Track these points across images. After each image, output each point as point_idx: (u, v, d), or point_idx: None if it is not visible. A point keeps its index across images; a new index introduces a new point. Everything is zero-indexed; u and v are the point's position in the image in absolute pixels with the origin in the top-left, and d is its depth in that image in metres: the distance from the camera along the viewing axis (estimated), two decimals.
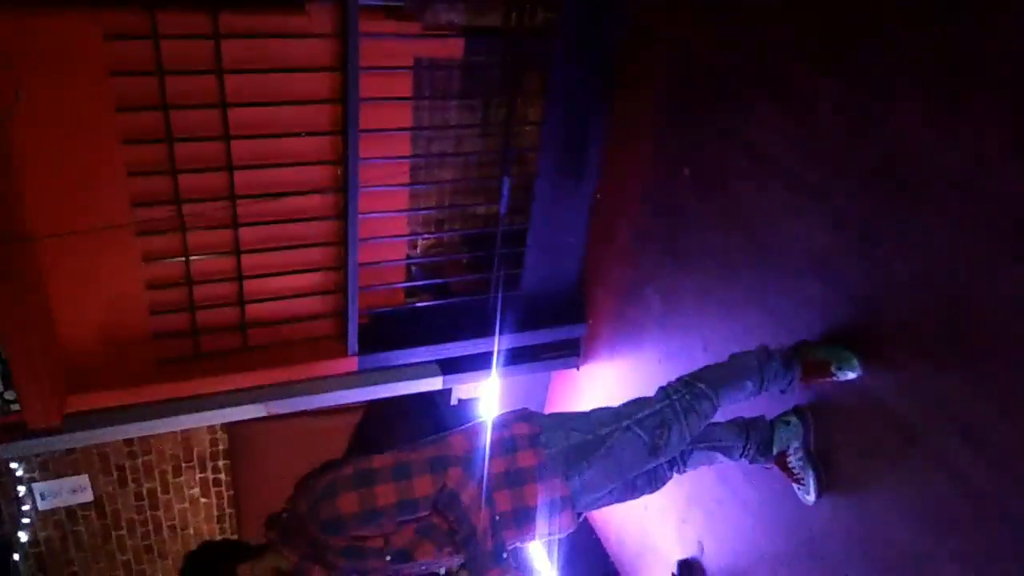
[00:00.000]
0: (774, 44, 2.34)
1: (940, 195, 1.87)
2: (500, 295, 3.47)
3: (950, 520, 1.94)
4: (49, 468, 4.11)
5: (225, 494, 4.61)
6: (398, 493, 1.73)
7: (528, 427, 1.95)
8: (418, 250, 3.57)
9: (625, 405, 2.06)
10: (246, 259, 3.08)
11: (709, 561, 2.96)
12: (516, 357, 3.64)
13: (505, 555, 1.82)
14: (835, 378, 2.14)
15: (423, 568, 1.84)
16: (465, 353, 3.49)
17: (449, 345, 3.45)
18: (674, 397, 2.03)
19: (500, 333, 3.48)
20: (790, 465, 2.31)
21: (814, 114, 2.21)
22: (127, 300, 3.01)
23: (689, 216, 2.84)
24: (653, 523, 3.31)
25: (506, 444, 1.90)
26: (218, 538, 1.92)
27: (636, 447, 1.94)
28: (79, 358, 3.03)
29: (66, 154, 2.64)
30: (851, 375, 2.13)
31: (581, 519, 2.03)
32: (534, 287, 3.54)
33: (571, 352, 3.75)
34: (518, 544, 1.92)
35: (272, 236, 3.09)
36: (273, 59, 2.77)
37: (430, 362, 3.46)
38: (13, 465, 4.03)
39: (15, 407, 2.85)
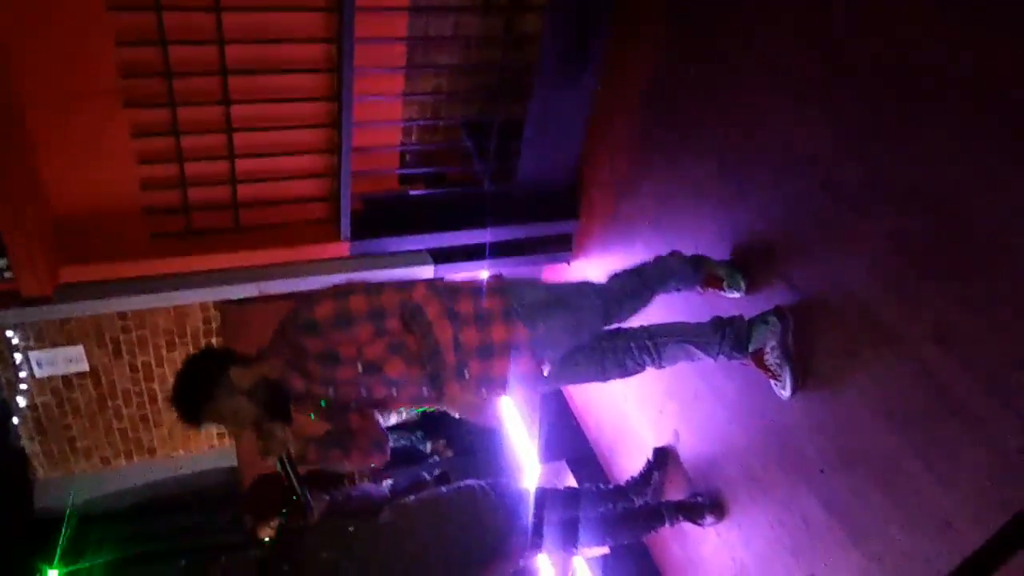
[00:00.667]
0: None
1: (940, 98, 1.85)
2: (494, 186, 3.45)
3: (916, 416, 2.04)
4: (45, 338, 4.19)
5: None
6: (368, 303, 1.94)
7: (502, 301, 2.08)
8: (413, 137, 3.52)
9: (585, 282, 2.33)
10: (238, 137, 3.04)
11: (684, 450, 3.09)
12: (508, 249, 3.65)
13: (466, 374, 1.99)
14: (723, 293, 2.52)
15: (392, 390, 2.02)
16: (457, 243, 3.50)
17: (441, 234, 3.46)
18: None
19: (493, 225, 3.48)
20: (767, 362, 2.39)
21: (826, 11, 2.15)
22: (118, 173, 2.98)
23: (690, 115, 2.80)
24: (631, 411, 3.43)
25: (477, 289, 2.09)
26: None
27: (592, 305, 2.22)
28: (71, 229, 3.04)
29: (54, 19, 2.55)
30: (736, 294, 2.50)
31: (547, 374, 2.16)
32: (529, 180, 3.51)
33: (563, 247, 3.77)
34: (484, 386, 2.06)
35: (265, 115, 3.03)
36: None
37: (421, 250, 3.48)
38: (9, 333, 4.10)
39: (8, 275, 2.87)
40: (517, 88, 3.30)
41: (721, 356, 2.40)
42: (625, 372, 2.35)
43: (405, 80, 3.22)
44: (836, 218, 2.22)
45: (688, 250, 2.68)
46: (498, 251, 3.62)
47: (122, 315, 4.30)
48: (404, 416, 3.97)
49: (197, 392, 1.91)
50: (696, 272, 2.55)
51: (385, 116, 3.24)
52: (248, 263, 3.27)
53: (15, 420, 4.44)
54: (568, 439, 3.91)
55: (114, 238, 3.10)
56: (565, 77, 3.24)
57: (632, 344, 2.31)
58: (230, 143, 3.04)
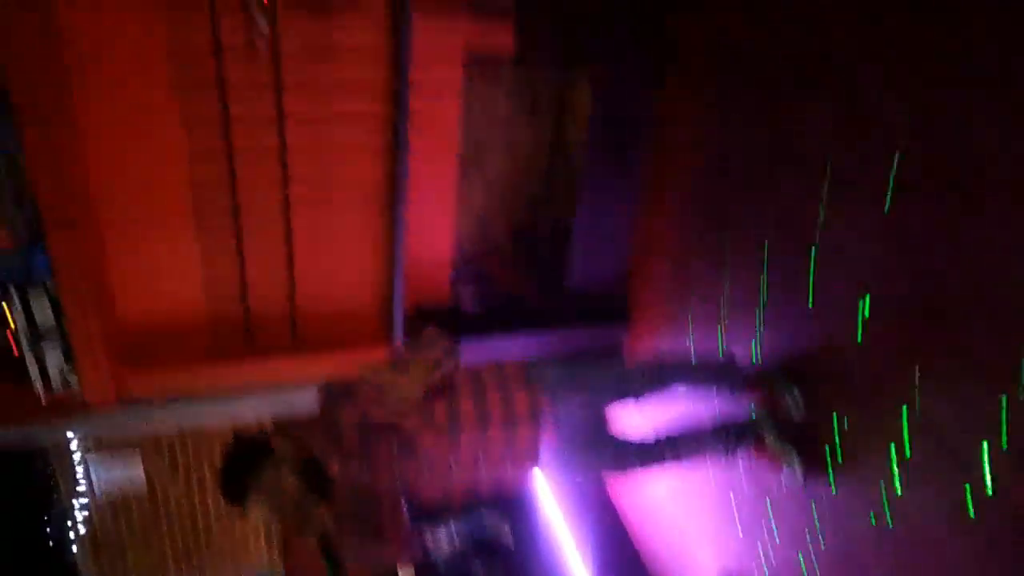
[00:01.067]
0: (823, 37, 2.30)
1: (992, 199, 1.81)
2: (543, 293, 3.47)
3: None
4: (105, 449, 4.27)
5: None
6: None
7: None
8: (463, 246, 3.60)
9: None
10: (297, 250, 3.15)
11: None
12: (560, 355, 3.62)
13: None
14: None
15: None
16: (507, 349, 3.49)
17: (491, 342, 3.46)
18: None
19: (543, 331, 3.48)
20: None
21: (864, 110, 2.17)
22: (184, 287, 3.11)
23: (736, 217, 2.80)
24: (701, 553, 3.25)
25: None
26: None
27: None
28: (137, 340, 3.15)
29: (130, 139, 2.76)
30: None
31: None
32: (579, 286, 3.52)
33: (615, 352, 3.72)
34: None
35: (323, 229, 3.15)
36: (328, 48, 2.84)
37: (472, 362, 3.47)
38: (72, 445, 4.20)
39: (73, 380, 2.97)
40: (565, 195, 3.38)
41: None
42: None
43: (456, 189, 3.33)
44: (890, 319, 2.14)
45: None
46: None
47: (181, 429, 4.36)
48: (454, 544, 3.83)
49: (242, 464, 1.96)
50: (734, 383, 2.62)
51: (437, 226, 3.33)
52: (303, 373, 3.31)
53: (71, 533, 4.46)
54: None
55: (176, 349, 3.20)
56: (610, 179, 3.31)
57: None
58: (290, 256, 3.15)
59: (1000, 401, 1.82)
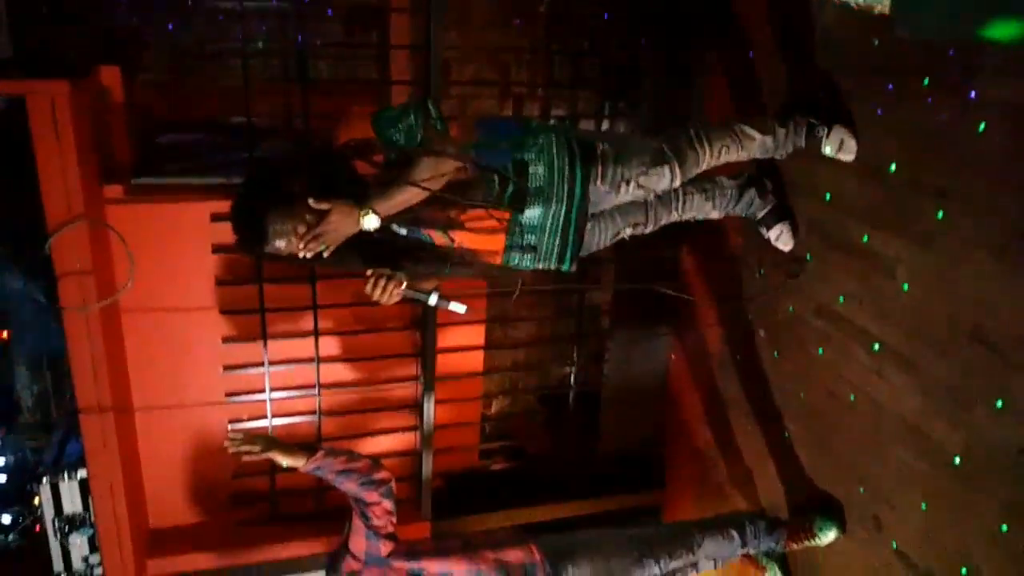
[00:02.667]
0: (838, 206, 2.38)
1: None
2: (575, 458, 3.41)
3: None
4: None
5: None
6: None
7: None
8: (492, 411, 3.59)
9: None
10: (326, 422, 3.15)
11: None
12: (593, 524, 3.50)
13: None
14: (817, 539, 2.48)
15: None
16: (541, 519, 3.39)
17: (524, 510, 3.37)
18: None
19: (577, 498, 3.39)
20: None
21: (889, 277, 2.20)
22: (212, 465, 3.10)
23: (767, 378, 2.79)
24: None
25: None
26: None
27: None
28: (163, 522, 3.10)
29: (167, 325, 2.84)
30: (831, 535, 2.46)
31: None
32: (611, 449, 3.47)
33: (652, 518, 3.60)
34: None
35: (351, 399, 3.17)
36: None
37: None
38: None
39: (98, 571, 2.89)
40: (592, 358, 3.39)
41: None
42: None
43: (484, 357, 3.35)
44: (943, 487, 2.07)
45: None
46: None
47: None
48: None
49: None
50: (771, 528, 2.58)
51: (465, 394, 3.34)
52: (330, 548, 3.21)
53: None
54: None
55: (202, 529, 3.14)
56: (639, 343, 3.33)
57: None
58: (319, 429, 3.15)
59: None
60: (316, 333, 3.00)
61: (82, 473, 2.80)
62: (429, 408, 3.12)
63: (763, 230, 2.56)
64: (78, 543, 2.91)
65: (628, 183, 2.13)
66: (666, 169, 2.13)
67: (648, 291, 3.28)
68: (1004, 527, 1.90)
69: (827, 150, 2.27)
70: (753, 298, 2.80)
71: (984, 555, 1.96)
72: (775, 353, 2.73)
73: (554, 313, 3.47)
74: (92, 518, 2.81)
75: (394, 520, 2.27)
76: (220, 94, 2.97)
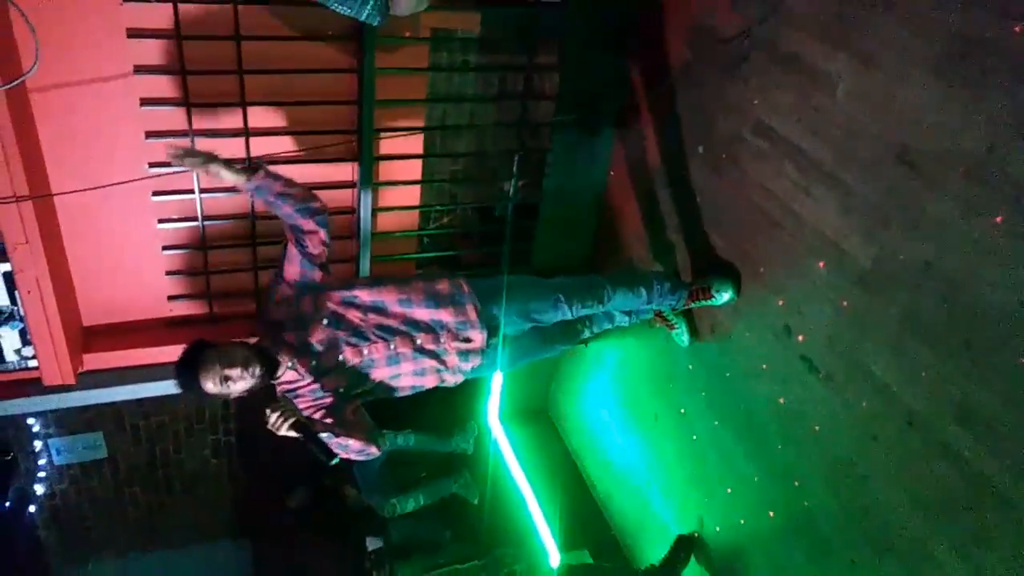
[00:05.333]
0: (785, 17, 2.32)
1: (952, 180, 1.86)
2: (510, 270, 3.47)
3: (945, 505, 1.96)
4: (64, 425, 4.21)
5: (235, 456, 4.70)
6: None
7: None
8: (430, 223, 3.58)
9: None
10: (261, 224, 3.11)
11: (709, 538, 3.00)
12: None
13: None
14: (713, 300, 2.69)
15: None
16: None
17: None
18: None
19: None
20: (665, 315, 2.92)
21: (829, 94, 2.19)
22: (143, 261, 3.06)
23: (702, 192, 2.83)
24: (655, 498, 3.34)
25: None
26: None
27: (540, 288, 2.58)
28: (95, 316, 3.10)
29: (86, 112, 2.67)
30: (726, 296, 2.66)
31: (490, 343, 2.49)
32: (545, 264, 3.54)
33: None
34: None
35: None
36: (293, 32, 2.77)
37: None
38: (30, 421, 4.12)
39: (32, 363, 2.91)
40: (532, 173, 3.37)
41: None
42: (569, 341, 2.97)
43: (423, 168, 3.30)
44: (853, 298, 2.20)
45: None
46: None
47: (141, 402, 4.31)
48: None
49: (200, 350, 2.15)
50: (676, 289, 2.77)
51: (403, 203, 3.31)
52: None
53: (32, 508, 4.41)
54: (591, 527, 3.81)
55: (136, 324, 3.16)
56: (578, 159, 3.32)
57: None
58: (253, 229, 3.11)
59: None
60: (246, 132, 2.88)
61: (5, 267, 2.73)
62: (366, 214, 3.09)
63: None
64: (10, 335, 2.90)
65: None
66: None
67: (591, 105, 3.24)
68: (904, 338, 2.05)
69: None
70: (725, 42, 2.71)
71: (884, 364, 2.12)
72: (712, 169, 2.76)
73: (495, 125, 3.39)
74: (21, 312, 2.78)
75: (326, 252, 2.36)
76: None
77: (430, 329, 2.37)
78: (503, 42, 3.21)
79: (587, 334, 2.99)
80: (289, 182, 2.26)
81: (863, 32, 2.06)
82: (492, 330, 2.47)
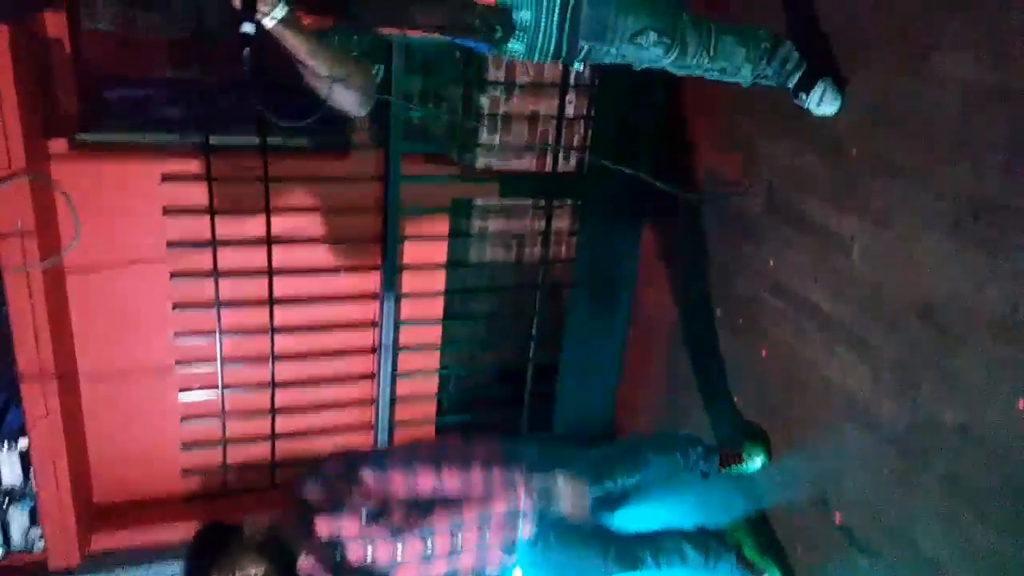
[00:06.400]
0: (796, 181, 2.39)
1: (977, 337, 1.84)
2: (531, 434, 3.41)
3: None
4: None
5: None
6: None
7: None
8: (450, 387, 3.56)
9: None
10: (280, 393, 3.09)
11: None
12: None
13: None
14: (744, 466, 2.58)
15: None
16: None
17: None
18: None
19: None
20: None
21: (845, 255, 2.22)
22: (161, 434, 3.02)
23: (725, 354, 2.81)
24: None
25: None
26: None
27: None
28: (107, 493, 3.02)
29: (117, 286, 2.74)
30: (758, 461, 2.57)
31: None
32: (566, 426, 3.48)
33: None
34: None
35: (308, 371, 3.11)
36: (319, 201, 2.90)
37: None
38: None
39: (39, 545, 2.80)
40: (551, 335, 3.39)
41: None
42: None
43: (443, 331, 3.32)
44: (888, 462, 2.12)
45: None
46: None
47: None
48: None
49: (210, 545, 1.89)
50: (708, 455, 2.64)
51: (423, 367, 3.30)
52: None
53: None
54: None
55: (148, 502, 3.07)
56: (597, 320, 3.34)
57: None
58: (272, 399, 3.09)
59: None
60: (271, 301, 2.93)
61: (23, 443, 2.69)
62: (386, 378, 3.08)
63: (801, 97, 2.21)
64: (19, 516, 2.81)
65: None
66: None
67: (608, 266, 3.31)
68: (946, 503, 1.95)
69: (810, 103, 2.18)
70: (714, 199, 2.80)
71: (926, 530, 2.00)
72: (731, 331, 2.76)
73: (514, 287, 3.46)
74: (33, 490, 2.72)
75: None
76: (172, 48, 2.85)
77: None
78: (521, 208, 3.34)
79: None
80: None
81: (873, 194, 2.12)
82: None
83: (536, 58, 1.88)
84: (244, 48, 1.49)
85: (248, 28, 1.48)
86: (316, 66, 1.61)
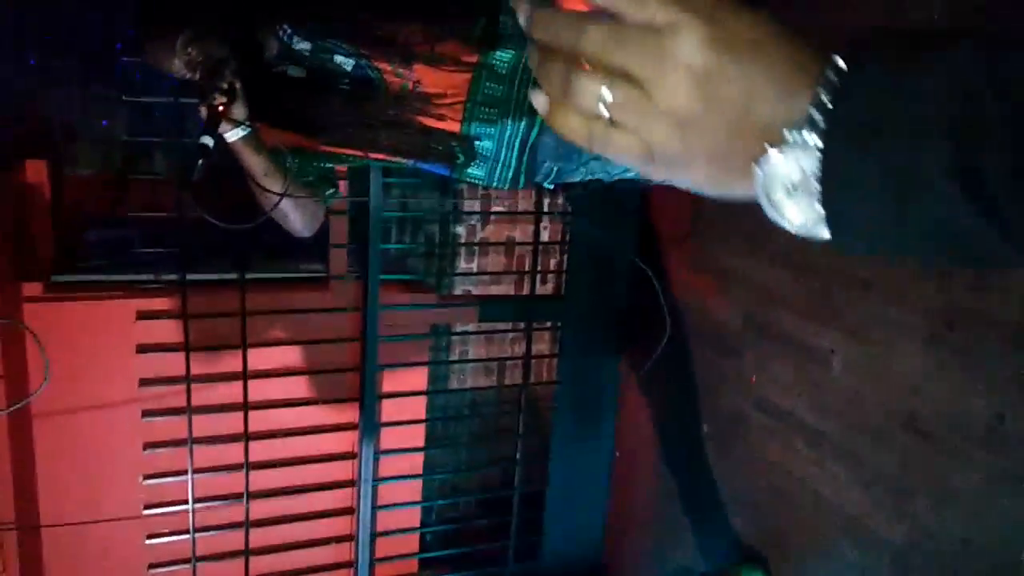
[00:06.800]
0: (771, 297, 2.43)
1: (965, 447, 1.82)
2: (518, 565, 3.27)
3: None
4: None
5: None
6: None
7: None
8: (433, 517, 3.44)
9: None
10: (254, 534, 2.95)
11: None
12: None
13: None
14: None
15: None
16: None
17: None
18: None
19: None
20: None
21: (825, 367, 2.23)
22: None
23: (713, 472, 2.75)
24: None
25: None
26: None
27: None
28: None
29: (87, 427, 2.66)
30: None
31: None
32: (555, 553, 3.34)
33: None
34: None
35: (284, 507, 2.99)
36: (297, 332, 2.88)
37: None
38: None
39: None
40: (536, 461, 3.31)
41: None
42: None
43: (424, 463, 3.24)
44: None
45: None
46: None
47: None
48: None
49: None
50: None
51: (404, 499, 3.19)
52: None
53: None
54: None
55: None
56: (582, 444, 3.28)
57: None
58: (246, 539, 2.94)
59: None
60: (246, 436, 2.85)
61: None
62: (366, 512, 2.97)
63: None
64: None
65: None
66: None
67: (591, 387, 3.29)
68: None
69: None
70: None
71: None
72: (719, 449, 2.72)
73: (495, 410, 3.41)
74: None
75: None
76: (152, 190, 2.91)
77: None
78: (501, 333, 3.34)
79: None
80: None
81: (849, 308, 2.15)
82: None
83: (495, 185, 1.90)
84: (199, 160, 1.44)
85: (207, 140, 1.45)
86: (268, 183, 1.61)
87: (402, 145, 1.77)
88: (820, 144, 0.39)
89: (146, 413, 2.73)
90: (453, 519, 3.43)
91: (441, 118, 1.72)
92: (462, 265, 3.29)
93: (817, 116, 0.39)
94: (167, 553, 2.89)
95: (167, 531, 2.86)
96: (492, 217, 3.27)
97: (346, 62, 1.67)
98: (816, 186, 0.40)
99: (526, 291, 3.34)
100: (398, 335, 2.99)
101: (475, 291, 3.33)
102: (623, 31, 0.41)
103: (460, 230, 3.24)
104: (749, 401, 2.55)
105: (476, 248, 3.26)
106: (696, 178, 0.45)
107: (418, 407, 3.17)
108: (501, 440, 3.38)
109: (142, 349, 2.68)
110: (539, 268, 3.22)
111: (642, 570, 3.22)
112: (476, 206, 3.24)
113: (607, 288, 3.19)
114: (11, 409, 2.36)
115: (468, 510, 3.49)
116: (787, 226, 0.42)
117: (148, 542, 2.84)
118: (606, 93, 0.42)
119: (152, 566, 2.88)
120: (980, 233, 0.39)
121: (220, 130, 1.49)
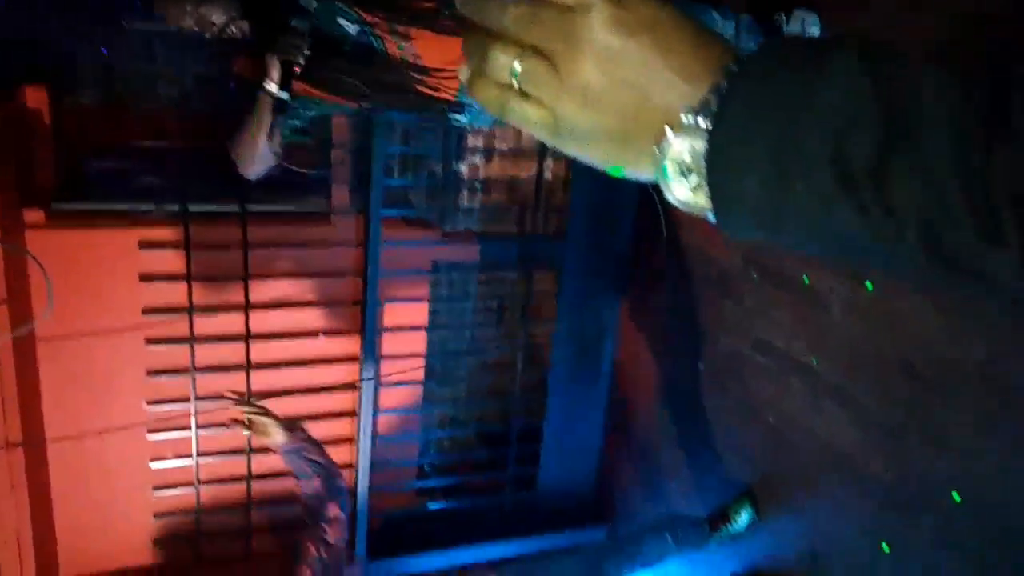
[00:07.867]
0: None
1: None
2: (515, 495, 3.36)
3: None
4: None
5: None
6: None
7: None
8: (431, 449, 3.51)
9: None
10: (256, 460, 3.02)
11: None
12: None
13: None
14: (733, 525, 2.58)
15: None
16: (479, 559, 3.30)
17: (462, 550, 3.28)
18: None
19: (517, 536, 3.32)
20: None
21: (826, 311, 2.25)
22: (132, 505, 2.92)
23: (709, 411, 2.80)
24: None
25: None
26: None
27: None
28: (75, 568, 2.90)
29: (91, 355, 2.69)
30: (745, 518, 2.57)
31: None
32: (550, 486, 3.43)
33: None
34: None
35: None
36: (299, 266, 2.89)
37: (443, 569, 3.28)
38: None
39: None
40: (534, 395, 3.36)
41: None
42: None
43: (423, 395, 3.29)
44: (873, 516, 2.10)
45: None
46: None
47: None
48: None
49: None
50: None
51: (403, 430, 3.26)
52: None
53: None
54: None
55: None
56: (580, 381, 3.32)
57: None
58: (248, 465, 3.02)
59: None
60: (248, 366, 2.89)
61: None
62: (366, 442, 3.03)
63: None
64: None
65: None
66: None
67: (590, 326, 3.31)
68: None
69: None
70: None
71: None
72: (715, 388, 2.76)
73: (495, 347, 3.44)
74: None
75: (343, 546, 2.11)
76: (152, 120, 2.87)
77: None
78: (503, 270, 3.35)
79: None
80: (322, 449, 2.18)
81: None
82: None
83: (477, 124, 2.00)
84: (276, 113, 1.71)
85: (284, 95, 1.68)
86: (261, 139, 1.76)
87: (397, 104, 1.90)
88: (710, 127, 0.41)
89: (149, 340, 2.76)
90: (451, 451, 3.50)
91: (437, 88, 1.80)
92: (464, 203, 3.27)
93: (713, 101, 0.41)
94: (171, 477, 2.97)
95: (170, 455, 2.93)
96: (495, 155, 3.24)
97: (350, 27, 1.73)
98: (704, 166, 0.42)
99: (529, 230, 3.34)
100: (399, 271, 3.00)
101: (477, 229, 3.32)
102: (540, 10, 0.44)
103: (463, 167, 3.21)
104: (747, 342, 2.58)
105: (479, 186, 3.24)
106: (599, 154, 0.47)
107: (418, 344, 3.20)
108: (500, 377, 3.42)
109: (145, 278, 2.69)
110: (542, 207, 3.21)
111: (635, 503, 3.30)
112: (480, 143, 3.20)
113: (609, 229, 3.19)
114: (16, 333, 2.38)
115: (466, 443, 3.56)
116: (679, 206, 0.44)
117: (152, 465, 2.91)
118: (516, 65, 0.45)
119: (157, 487, 2.96)
120: (853, 229, 0.41)
121: (266, 84, 1.65)
